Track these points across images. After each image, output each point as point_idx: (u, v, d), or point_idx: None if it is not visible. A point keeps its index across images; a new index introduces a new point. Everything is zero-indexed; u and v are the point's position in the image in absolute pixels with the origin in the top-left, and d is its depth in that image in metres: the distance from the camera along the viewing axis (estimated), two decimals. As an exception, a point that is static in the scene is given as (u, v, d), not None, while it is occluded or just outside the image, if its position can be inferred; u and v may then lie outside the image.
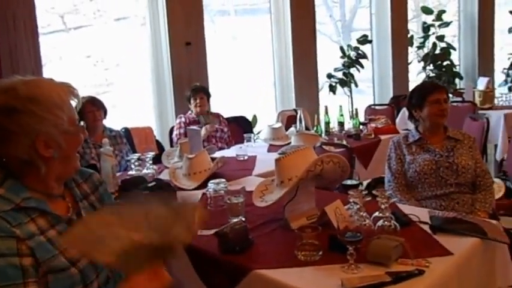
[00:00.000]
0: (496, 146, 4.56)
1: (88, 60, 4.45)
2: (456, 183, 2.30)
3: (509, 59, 7.44)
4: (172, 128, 4.01)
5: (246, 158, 3.13)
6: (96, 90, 4.37)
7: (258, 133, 4.58)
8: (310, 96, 5.76)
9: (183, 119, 3.91)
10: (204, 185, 2.30)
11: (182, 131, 3.78)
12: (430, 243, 1.58)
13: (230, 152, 3.34)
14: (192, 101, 3.89)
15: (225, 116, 4.15)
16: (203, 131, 3.61)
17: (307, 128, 3.99)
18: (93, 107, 3.09)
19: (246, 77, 5.69)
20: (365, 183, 4.03)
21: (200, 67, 4.61)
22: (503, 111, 4.57)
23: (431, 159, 2.35)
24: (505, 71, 7.45)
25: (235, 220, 1.80)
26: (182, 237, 1.00)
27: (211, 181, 2.16)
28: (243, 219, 1.85)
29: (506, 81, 7.33)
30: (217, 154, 3.17)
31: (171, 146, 3.86)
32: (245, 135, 3.62)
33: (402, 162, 2.43)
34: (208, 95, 3.99)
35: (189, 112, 3.96)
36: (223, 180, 2.19)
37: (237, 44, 5.73)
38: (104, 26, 4.51)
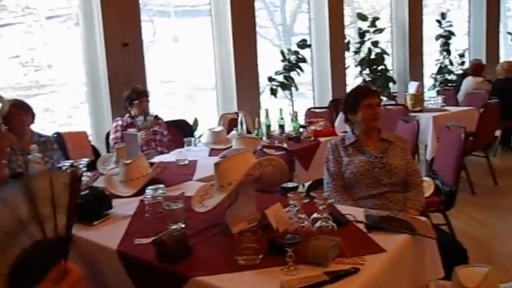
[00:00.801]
0: (426, 146, 4.81)
1: (16, 60, 4.20)
2: (390, 183, 2.40)
3: (436, 64, 7.92)
4: (109, 132, 3.87)
5: (186, 162, 3.09)
6: (26, 92, 4.14)
7: (199, 137, 4.54)
8: (251, 99, 5.80)
9: (120, 123, 3.79)
10: (141, 191, 2.23)
11: (119, 135, 3.66)
12: (365, 241, 1.63)
13: (170, 157, 3.28)
14: (135, 104, 3.78)
15: (165, 119, 4.07)
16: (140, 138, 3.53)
17: (248, 132, 4.00)
18: (20, 111, 2.91)
19: (187, 79, 5.63)
20: (306, 184, 4.12)
21: (138, 69, 4.50)
22: (432, 114, 4.83)
23: (367, 160, 2.43)
24: (433, 76, 7.92)
25: (174, 227, 1.76)
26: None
27: (149, 187, 2.10)
28: (183, 225, 1.82)
29: (434, 86, 7.79)
30: (157, 159, 3.09)
31: (108, 151, 3.72)
32: (185, 139, 3.57)
33: (339, 164, 2.50)
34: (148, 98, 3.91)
35: (127, 115, 3.85)
36: (162, 186, 2.14)
37: (178, 45, 5.65)
38: (34, 24, 4.28)
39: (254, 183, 1.84)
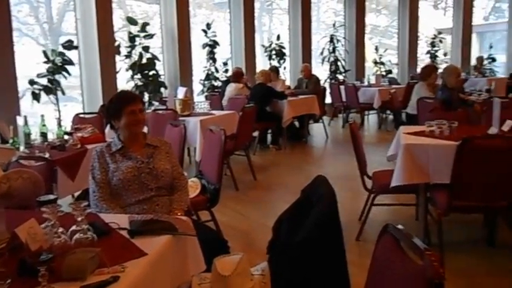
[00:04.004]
0: (195, 148, 5.13)
1: None
2: (156, 187, 2.46)
3: (204, 71, 8.50)
4: None
5: None
6: None
7: None
8: (8, 104, 5.17)
9: None
10: None
11: None
12: (128, 247, 1.65)
13: None
14: None
15: None
16: None
17: (4, 141, 3.55)
18: None
19: None
20: (76, 194, 3.89)
21: None
22: (200, 118, 5.18)
23: (133, 166, 2.44)
24: (202, 81, 8.49)
25: None
26: None
27: None
28: None
29: (203, 91, 8.35)
30: None
31: None
32: None
33: (106, 171, 2.45)
34: None
35: None
36: None
37: None
38: None
39: (2, 199, 1.66)
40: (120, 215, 2.07)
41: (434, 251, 1.14)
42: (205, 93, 8.07)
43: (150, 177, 2.46)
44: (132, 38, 7.19)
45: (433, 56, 12.14)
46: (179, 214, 2.38)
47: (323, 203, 1.94)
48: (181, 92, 5.55)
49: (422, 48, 12.39)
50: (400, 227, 1.39)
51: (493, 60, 12.13)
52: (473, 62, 11.88)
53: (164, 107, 5.62)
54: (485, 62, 11.53)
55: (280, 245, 2.07)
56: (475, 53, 12.98)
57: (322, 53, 10.65)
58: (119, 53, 7.13)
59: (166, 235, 1.75)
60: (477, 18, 13.80)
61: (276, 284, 1.92)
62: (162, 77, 7.58)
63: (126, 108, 2.42)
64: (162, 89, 7.33)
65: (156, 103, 6.68)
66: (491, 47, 12.71)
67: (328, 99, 9.22)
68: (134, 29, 7.21)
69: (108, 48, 6.82)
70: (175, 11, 7.87)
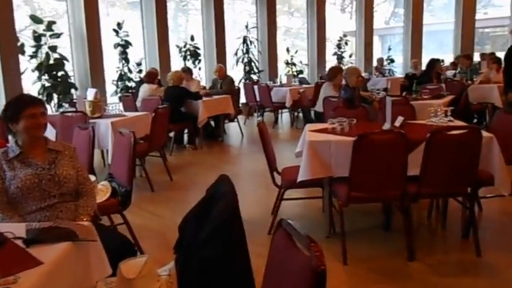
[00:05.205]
0: (108, 151, 5.00)
1: None
2: (60, 193, 2.39)
3: (117, 72, 8.28)
4: None
5: None
6: None
7: None
8: None
9: None
10: None
11: None
12: (22, 257, 1.61)
13: None
14: None
15: None
16: None
17: None
18: None
19: None
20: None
21: None
22: (111, 119, 5.04)
23: (34, 173, 2.36)
24: (115, 82, 8.26)
25: None
26: None
27: None
28: None
29: (116, 92, 8.13)
30: None
31: None
32: None
33: (3, 179, 2.34)
34: None
35: None
36: None
37: None
38: None
39: None
40: (17, 224, 2.00)
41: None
42: (119, 94, 7.87)
43: (52, 183, 2.39)
44: (37, 37, 6.82)
45: (340, 57, 12.84)
46: (85, 219, 2.34)
47: (223, 201, 2.02)
48: (90, 93, 5.37)
49: (330, 49, 13.03)
50: (290, 221, 1.50)
51: (392, 61, 13.16)
52: (375, 62, 12.76)
53: (74, 109, 5.41)
54: (385, 62, 12.46)
55: (186, 244, 2.12)
56: (377, 54, 13.93)
57: (236, 54, 10.81)
58: (23, 52, 6.74)
59: (65, 242, 1.73)
60: (379, 22, 14.79)
61: (182, 283, 1.97)
62: (72, 78, 7.27)
63: (26, 111, 2.33)
64: (73, 91, 7.03)
65: (66, 105, 6.41)
66: (390, 49, 13.76)
67: (243, 99, 9.40)
68: (40, 28, 6.85)
69: (10, 48, 6.43)
70: (83, 9, 7.57)
